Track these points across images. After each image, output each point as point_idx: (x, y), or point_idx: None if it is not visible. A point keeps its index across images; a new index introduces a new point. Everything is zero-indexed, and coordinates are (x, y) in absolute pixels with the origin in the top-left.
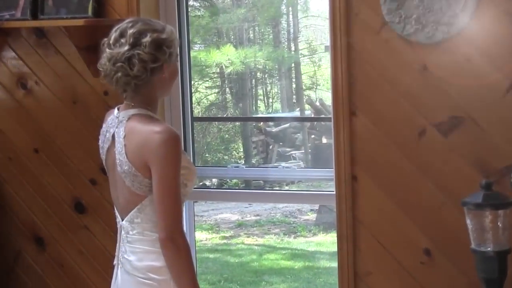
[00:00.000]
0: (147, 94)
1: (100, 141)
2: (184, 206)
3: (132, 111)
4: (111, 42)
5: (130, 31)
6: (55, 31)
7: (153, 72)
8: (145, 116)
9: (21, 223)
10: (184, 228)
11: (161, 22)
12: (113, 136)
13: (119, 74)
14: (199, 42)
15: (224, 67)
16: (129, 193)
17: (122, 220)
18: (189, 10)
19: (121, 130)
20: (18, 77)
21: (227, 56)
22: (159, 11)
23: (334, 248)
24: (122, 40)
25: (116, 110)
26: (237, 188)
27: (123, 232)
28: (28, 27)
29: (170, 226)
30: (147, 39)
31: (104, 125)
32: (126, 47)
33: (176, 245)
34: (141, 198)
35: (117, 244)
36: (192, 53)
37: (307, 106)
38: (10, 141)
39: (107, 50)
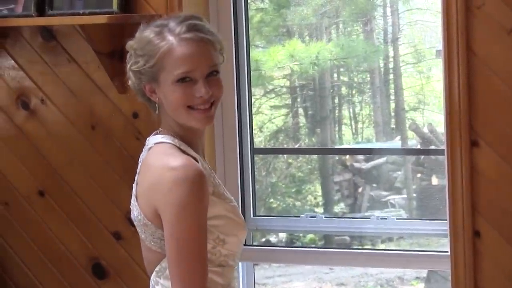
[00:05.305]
0: (165, 117)
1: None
2: (231, 270)
3: (158, 138)
4: None
5: None
6: (68, 31)
7: (144, 94)
8: (169, 145)
9: None
10: None
11: (185, 14)
12: None
13: None
14: (261, 45)
15: (292, 69)
16: (146, 249)
17: None
18: (248, 1)
19: (141, 162)
20: (19, 93)
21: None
22: (208, 3)
23: None
24: None
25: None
26: (314, 246)
27: None
28: (33, 26)
29: None
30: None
31: None
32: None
33: None
34: (158, 257)
35: None
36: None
37: (411, 134)
38: (6, 181)
39: None
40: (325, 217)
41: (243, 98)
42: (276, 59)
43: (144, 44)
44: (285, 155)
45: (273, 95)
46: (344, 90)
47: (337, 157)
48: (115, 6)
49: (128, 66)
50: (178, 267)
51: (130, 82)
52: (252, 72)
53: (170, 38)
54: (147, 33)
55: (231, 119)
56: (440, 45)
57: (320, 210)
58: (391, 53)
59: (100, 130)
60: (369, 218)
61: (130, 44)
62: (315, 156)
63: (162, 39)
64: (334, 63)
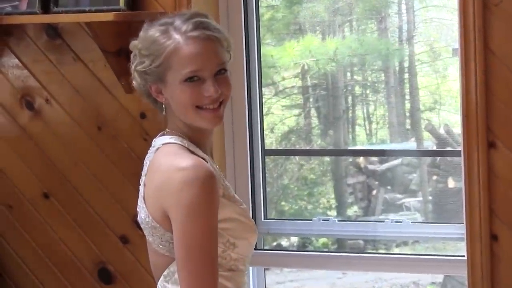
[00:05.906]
0: (172, 118)
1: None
2: (242, 274)
3: (165, 139)
4: None
5: None
6: (74, 29)
7: (150, 95)
8: (177, 146)
9: None
10: None
11: (191, 12)
12: None
13: None
14: (272, 44)
15: (306, 66)
16: (153, 253)
17: None
18: None
19: (147, 164)
20: (23, 93)
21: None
22: (218, 0)
23: None
24: None
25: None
26: (326, 250)
27: None
28: (37, 23)
29: None
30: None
31: None
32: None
33: None
34: (166, 261)
35: None
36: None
37: (426, 135)
38: (10, 183)
39: None
40: (338, 221)
41: (254, 98)
42: (292, 55)
43: (149, 43)
44: (297, 157)
45: (284, 95)
46: (357, 89)
47: (350, 159)
48: (122, 3)
49: (133, 66)
50: (188, 268)
51: (135, 83)
52: (264, 70)
53: (177, 36)
54: (152, 32)
55: (242, 119)
56: (456, 44)
57: (333, 213)
58: (406, 52)
59: (107, 131)
60: (384, 221)
61: (134, 43)
62: (327, 158)
63: (168, 37)
64: (349, 62)
